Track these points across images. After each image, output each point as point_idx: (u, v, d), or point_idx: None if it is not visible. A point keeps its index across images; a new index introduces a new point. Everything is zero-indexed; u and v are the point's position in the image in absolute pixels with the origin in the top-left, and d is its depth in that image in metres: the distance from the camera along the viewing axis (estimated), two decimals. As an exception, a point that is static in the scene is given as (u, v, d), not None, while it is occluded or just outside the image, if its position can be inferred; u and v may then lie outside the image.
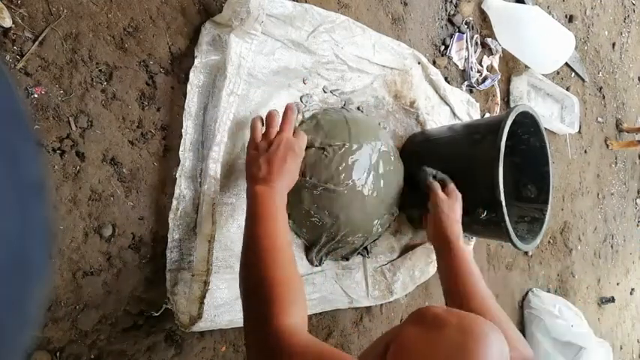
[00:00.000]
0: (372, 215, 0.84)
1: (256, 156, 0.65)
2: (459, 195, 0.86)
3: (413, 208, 0.96)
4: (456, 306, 0.70)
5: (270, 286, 0.54)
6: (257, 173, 0.63)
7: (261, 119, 0.69)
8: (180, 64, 0.70)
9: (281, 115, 0.70)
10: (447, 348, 0.42)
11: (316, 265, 0.85)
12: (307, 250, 0.84)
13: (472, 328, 0.44)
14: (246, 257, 0.59)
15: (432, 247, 0.94)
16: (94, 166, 0.62)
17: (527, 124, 0.94)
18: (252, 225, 0.60)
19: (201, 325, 0.66)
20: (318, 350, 0.46)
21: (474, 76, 1.26)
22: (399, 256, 1.01)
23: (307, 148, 0.78)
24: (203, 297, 0.66)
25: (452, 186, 0.86)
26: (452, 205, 0.84)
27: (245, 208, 0.72)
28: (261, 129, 0.68)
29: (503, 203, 0.79)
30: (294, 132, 0.70)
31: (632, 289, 2.47)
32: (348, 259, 0.91)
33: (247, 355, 0.53)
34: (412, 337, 0.46)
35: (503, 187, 0.79)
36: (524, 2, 1.41)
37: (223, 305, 0.70)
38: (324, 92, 0.86)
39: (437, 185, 0.86)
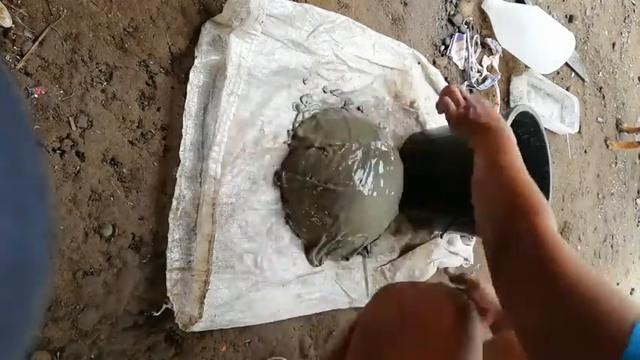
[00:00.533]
0: (372, 215, 0.84)
1: (467, 110, 0.62)
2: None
3: (413, 208, 0.96)
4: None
5: (522, 192, 0.49)
6: (493, 113, 0.61)
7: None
8: (181, 64, 0.70)
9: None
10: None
11: (316, 265, 0.85)
12: (307, 250, 0.84)
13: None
14: (499, 188, 0.54)
15: (432, 246, 0.93)
16: (94, 166, 0.62)
17: (527, 124, 0.94)
18: (505, 161, 0.55)
19: (201, 325, 0.66)
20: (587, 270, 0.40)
21: (474, 76, 1.26)
22: (399, 256, 1.01)
23: (307, 148, 0.78)
24: (203, 297, 0.66)
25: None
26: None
27: (244, 209, 0.73)
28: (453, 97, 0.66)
29: None
30: None
31: (632, 289, 2.47)
32: (348, 259, 0.91)
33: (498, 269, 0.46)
34: (371, 314, 0.54)
35: None
36: (524, 2, 1.41)
37: (223, 305, 0.70)
38: (324, 92, 0.86)
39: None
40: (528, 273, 0.42)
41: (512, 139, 0.59)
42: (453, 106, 0.66)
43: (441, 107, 0.67)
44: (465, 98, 0.66)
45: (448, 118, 0.66)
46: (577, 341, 0.36)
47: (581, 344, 0.36)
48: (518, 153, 0.57)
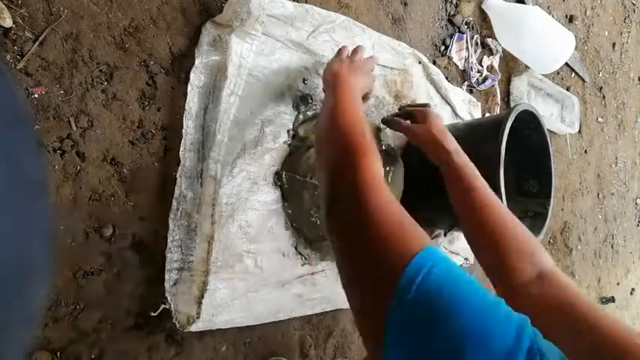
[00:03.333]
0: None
1: (338, 61, 0.71)
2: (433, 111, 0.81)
3: (413, 208, 0.96)
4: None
5: (350, 143, 0.50)
6: (340, 66, 0.68)
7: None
8: (181, 65, 0.70)
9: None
10: None
11: (304, 259, 0.84)
12: (307, 247, 0.84)
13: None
14: (326, 131, 0.56)
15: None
16: (94, 166, 0.62)
17: (528, 120, 0.94)
18: (334, 104, 0.59)
19: (199, 325, 0.66)
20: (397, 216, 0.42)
21: (474, 76, 1.26)
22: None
23: (308, 148, 0.78)
24: (201, 297, 0.66)
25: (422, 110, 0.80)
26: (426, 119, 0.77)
27: (244, 209, 0.72)
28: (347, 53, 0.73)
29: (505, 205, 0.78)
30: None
31: (633, 289, 2.47)
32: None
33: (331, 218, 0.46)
34: None
35: (506, 184, 0.79)
36: (524, 2, 1.41)
37: (222, 305, 0.70)
38: (324, 92, 0.85)
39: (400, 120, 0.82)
40: (351, 212, 0.43)
41: (351, 83, 0.64)
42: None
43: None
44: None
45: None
46: (366, 278, 0.38)
47: (369, 279, 0.38)
48: (354, 96, 0.62)
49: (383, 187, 0.45)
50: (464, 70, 1.25)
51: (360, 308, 0.40)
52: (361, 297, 0.40)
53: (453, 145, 0.73)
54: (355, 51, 0.75)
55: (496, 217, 0.61)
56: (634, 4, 2.32)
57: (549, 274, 0.52)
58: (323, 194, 0.49)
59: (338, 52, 0.75)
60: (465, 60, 1.24)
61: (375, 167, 0.47)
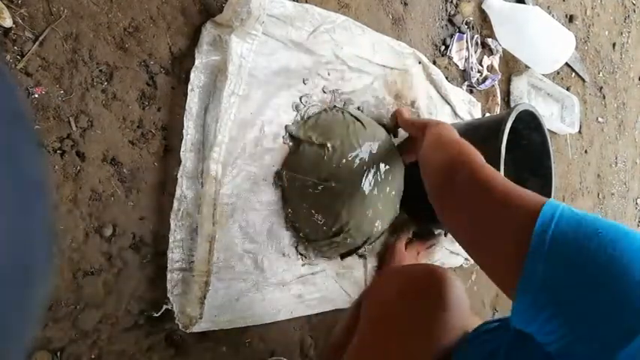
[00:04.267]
0: (373, 214, 0.84)
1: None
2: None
3: (414, 207, 0.96)
4: None
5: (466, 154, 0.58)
6: (424, 120, 0.80)
7: None
8: (181, 65, 0.70)
9: None
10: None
11: (304, 257, 0.84)
12: (307, 248, 0.84)
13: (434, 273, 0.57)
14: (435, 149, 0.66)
15: (433, 246, 0.94)
16: (94, 166, 0.62)
17: (528, 120, 0.94)
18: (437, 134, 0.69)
19: (202, 326, 0.66)
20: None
21: (475, 76, 1.26)
22: (399, 256, 1.01)
23: (307, 147, 0.78)
24: (204, 297, 0.66)
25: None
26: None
27: (245, 209, 0.73)
28: None
29: None
30: None
31: (633, 289, 2.47)
32: (348, 258, 0.91)
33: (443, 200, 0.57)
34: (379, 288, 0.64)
35: None
36: (524, 2, 1.41)
37: (224, 305, 0.70)
38: (324, 92, 0.86)
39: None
40: (468, 194, 0.51)
41: (451, 128, 0.71)
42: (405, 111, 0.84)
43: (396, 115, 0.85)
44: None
45: (401, 120, 0.84)
46: (499, 233, 0.44)
47: (502, 233, 0.43)
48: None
49: (490, 167, 0.53)
50: (464, 70, 1.24)
51: (494, 263, 0.45)
52: (494, 251, 0.45)
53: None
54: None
55: None
56: (634, 4, 2.32)
57: None
58: (439, 175, 0.58)
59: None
60: (465, 60, 1.24)
61: (480, 156, 0.56)
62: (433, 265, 0.63)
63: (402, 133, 0.93)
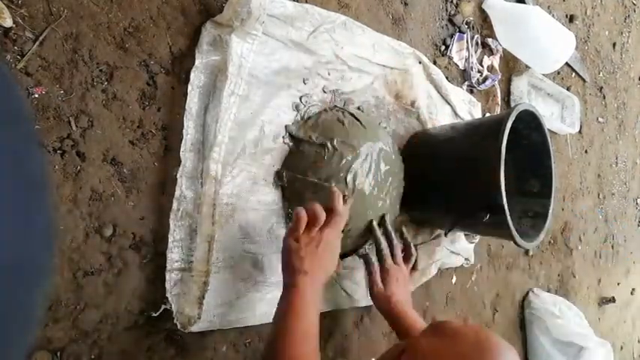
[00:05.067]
0: (373, 215, 0.84)
1: (298, 248, 0.66)
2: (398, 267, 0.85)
3: (414, 208, 0.96)
4: None
5: None
6: (300, 266, 0.65)
7: (305, 211, 0.67)
8: (181, 65, 0.70)
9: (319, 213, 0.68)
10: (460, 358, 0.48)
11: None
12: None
13: (488, 342, 0.48)
14: (274, 342, 0.62)
15: (433, 246, 0.94)
16: (94, 166, 0.62)
17: (528, 120, 0.94)
18: (287, 317, 0.63)
19: (200, 326, 0.66)
20: None
21: (475, 76, 1.26)
22: (399, 256, 1.01)
23: (307, 147, 0.78)
24: (202, 297, 0.66)
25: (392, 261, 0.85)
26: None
27: (245, 209, 0.72)
28: (305, 221, 0.67)
29: (506, 208, 0.78)
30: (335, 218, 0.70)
31: (633, 289, 2.47)
32: (348, 258, 0.90)
33: None
34: (428, 344, 0.52)
35: (506, 184, 0.79)
36: (524, 2, 1.41)
37: (223, 305, 0.70)
38: (324, 92, 0.86)
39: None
40: None
41: (308, 298, 0.63)
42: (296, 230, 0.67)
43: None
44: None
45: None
46: None
47: None
48: (313, 317, 0.63)
49: None
50: (464, 70, 1.24)
51: None
52: None
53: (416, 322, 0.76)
54: (315, 220, 0.67)
55: None
56: (634, 4, 2.32)
57: None
58: None
59: (297, 219, 0.66)
60: (466, 60, 1.24)
61: None
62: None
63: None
